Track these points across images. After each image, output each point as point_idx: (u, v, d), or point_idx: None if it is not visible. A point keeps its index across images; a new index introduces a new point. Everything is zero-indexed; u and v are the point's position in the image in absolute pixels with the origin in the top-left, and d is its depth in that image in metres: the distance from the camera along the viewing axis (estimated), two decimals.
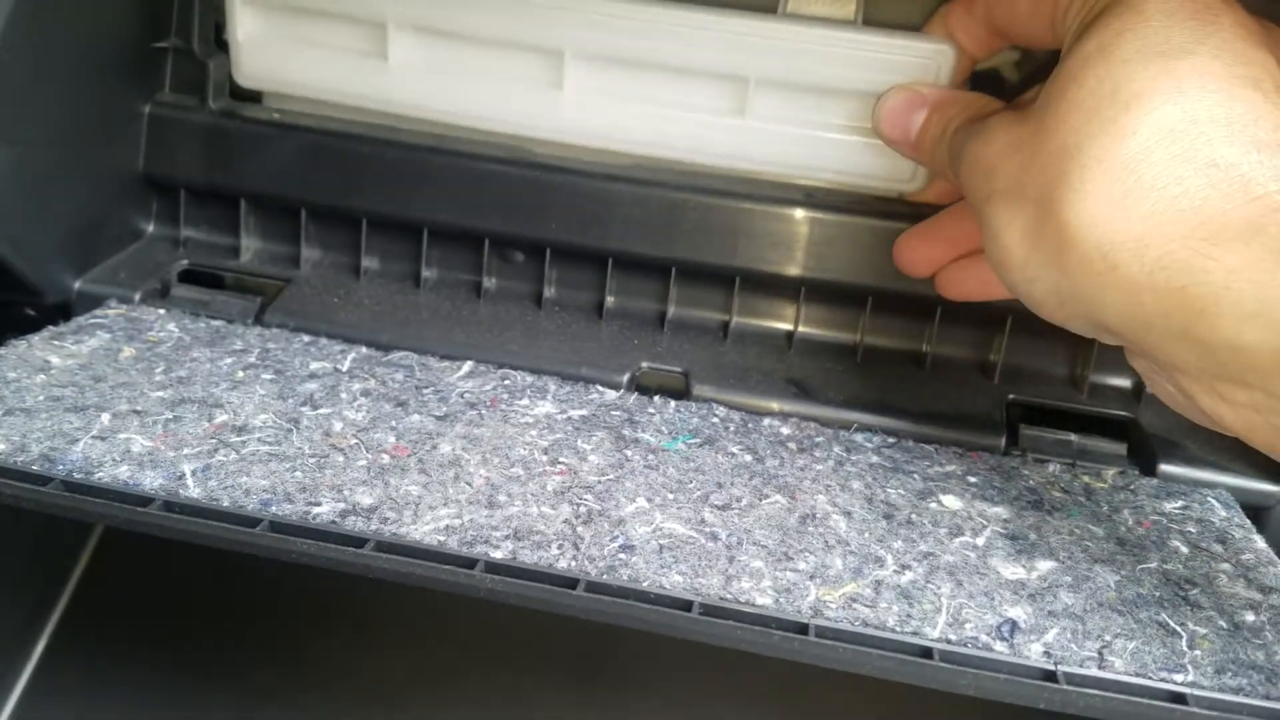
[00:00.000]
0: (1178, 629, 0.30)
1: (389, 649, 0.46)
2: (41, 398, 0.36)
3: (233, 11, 0.45)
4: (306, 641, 0.46)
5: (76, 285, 0.45)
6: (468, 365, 0.42)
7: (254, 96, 0.47)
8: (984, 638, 0.29)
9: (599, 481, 0.35)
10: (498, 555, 0.30)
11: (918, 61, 0.39)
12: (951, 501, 0.35)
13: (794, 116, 0.41)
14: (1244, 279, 0.24)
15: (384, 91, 0.45)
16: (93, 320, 0.43)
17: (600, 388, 0.42)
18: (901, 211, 0.42)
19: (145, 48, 0.46)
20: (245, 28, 0.45)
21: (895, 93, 0.39)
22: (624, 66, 0.42)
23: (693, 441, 0.38)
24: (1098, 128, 0.27)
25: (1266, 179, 0.25)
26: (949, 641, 0.28)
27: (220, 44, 0.47)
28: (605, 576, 0.30)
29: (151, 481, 0.32)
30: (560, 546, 0.31)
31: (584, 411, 0.40)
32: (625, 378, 0.42)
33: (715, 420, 0.40)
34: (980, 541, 0.33)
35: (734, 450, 0.38)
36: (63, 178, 0.43)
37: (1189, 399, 0.28)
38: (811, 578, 0.31)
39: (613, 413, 0.40)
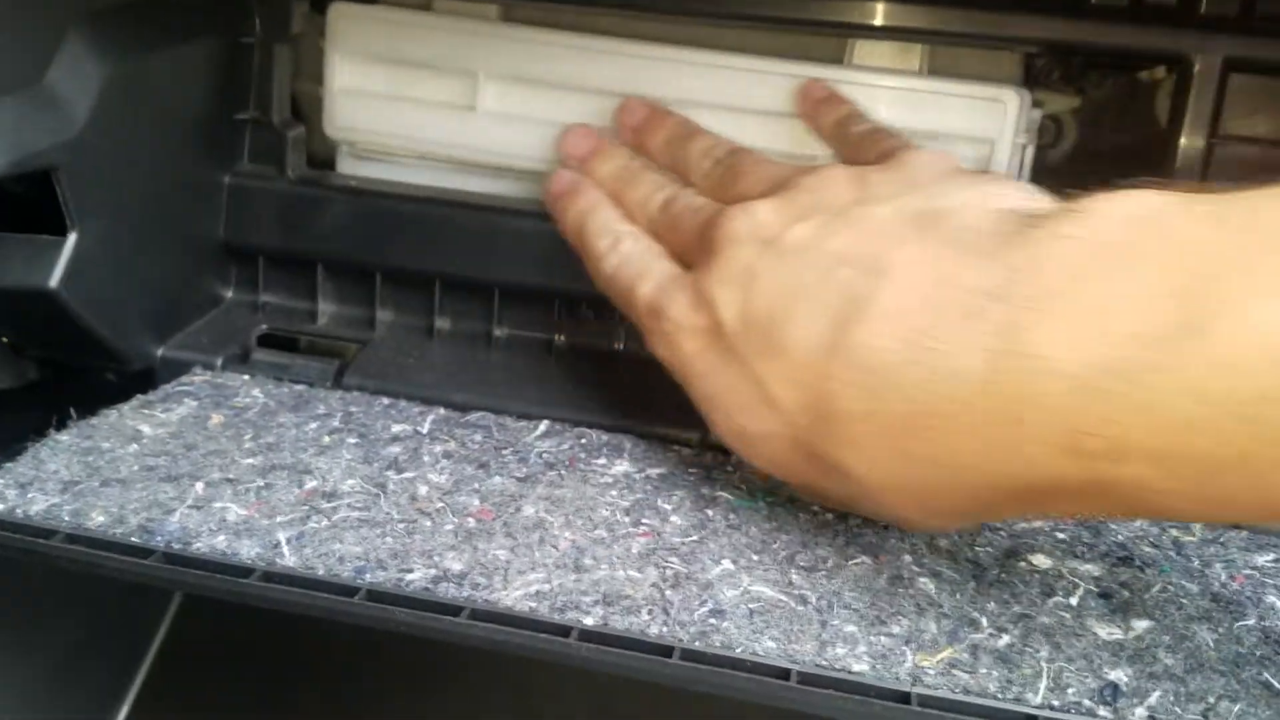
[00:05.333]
0: None
1: (477, 708, 0.46)
2: (136, 467, 0.37)
3: (331, 64, 0.47)
4: (388, 698, 0.47)
5: (159, 352, 0.46)
6: (544, 424, 0.43)
7: (329, 165, 0.48)
8: (1087, 702, 0.28)
9: (683, 543, 0.35)
10: (589, 621, 0.31)
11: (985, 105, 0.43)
12: (1041, 560, 0.35)
13: None
14: None
15: (471, 139, 0.46)
16: (180, 388, 0.44)
17: (675, 445, 0.42)
18: None
19: (225, 120, 0.47)
20: (341, 80, 0.47)
21: None
22: (701, 110, 0.44)
23: (771, 500, 0.38)
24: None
25: None
26: (1052, 708, 0.28)
27: (296, 115, 0.48)
28: (698, 643, 0.30)
29: (249, 551, 0.33)
30: (650, 612, 0.31)
31: (661, 470, 0.40)
32: (697, 435, 0.43)
33: None
34: (1074, 601, 0.33)
35: (814, 508, 0.38)
36: (147, 248, 0.45)
37: None
38: (907, 642, 0.30)
39: (690, 470, 0.40)
